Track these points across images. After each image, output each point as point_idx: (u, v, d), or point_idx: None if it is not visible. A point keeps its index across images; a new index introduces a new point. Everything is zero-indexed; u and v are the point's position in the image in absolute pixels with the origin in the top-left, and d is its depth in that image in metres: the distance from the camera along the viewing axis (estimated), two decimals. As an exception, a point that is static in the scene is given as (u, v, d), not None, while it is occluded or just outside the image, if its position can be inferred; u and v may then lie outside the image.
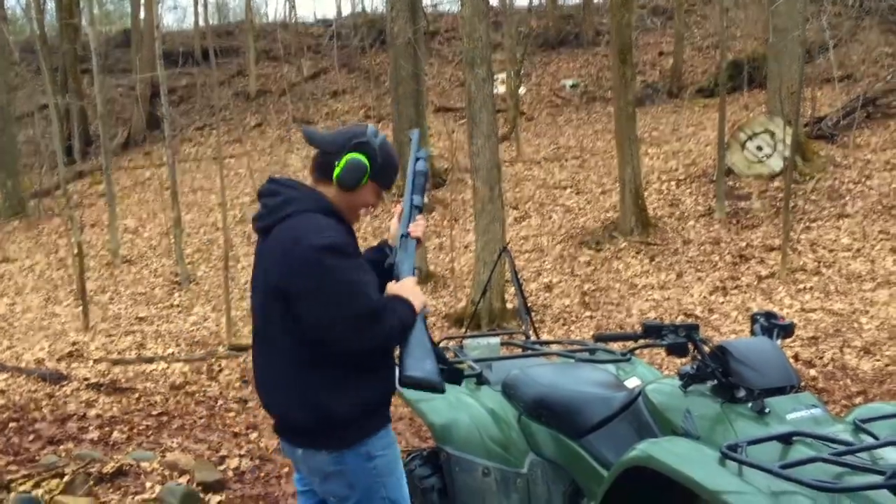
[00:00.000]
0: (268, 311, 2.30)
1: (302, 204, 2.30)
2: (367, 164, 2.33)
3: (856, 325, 6.90)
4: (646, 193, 10.60)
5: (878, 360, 6.14)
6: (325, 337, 2.22)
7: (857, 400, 5.31)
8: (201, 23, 19.25)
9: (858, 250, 8.62)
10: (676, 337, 2.56)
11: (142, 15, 18.52)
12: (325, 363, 2.26)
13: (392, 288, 2.37)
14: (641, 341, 2.78)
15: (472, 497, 3.02)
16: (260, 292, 2.34)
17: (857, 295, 7.57)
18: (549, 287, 9.14)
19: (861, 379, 5.85)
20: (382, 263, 2.46)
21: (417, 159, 2.59)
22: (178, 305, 10.18)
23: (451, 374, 2.43)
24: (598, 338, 2.79)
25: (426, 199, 2.64)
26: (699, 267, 9.07)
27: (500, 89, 15.37)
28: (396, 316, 2.27)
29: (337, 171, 2.31)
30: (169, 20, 30.52)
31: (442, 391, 2.35)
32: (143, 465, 4.70)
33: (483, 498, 3.00)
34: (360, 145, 2.33)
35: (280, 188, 2.36)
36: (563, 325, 8.04)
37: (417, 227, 2.52)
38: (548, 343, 4.02)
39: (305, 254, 2.19)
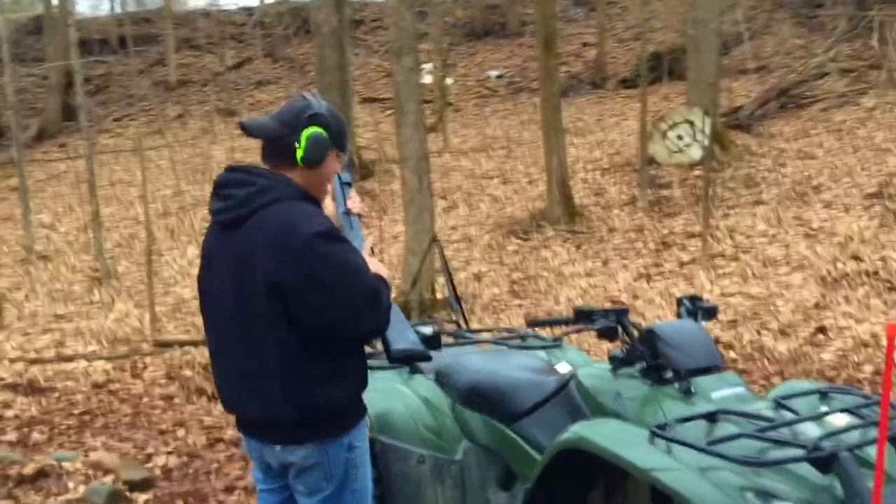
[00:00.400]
0: (246, 306, 2.19)
1: (281, 191, 2.21)
2: (327, 134, 2.26)
3: (772, 307, 7.15)
4: (571, 183, 10.75)
5: (793, 342, 6.38)
6: (328, 324, 2.15)
7: (775, 379, 5.51)
8: (118, 9, 18.65)
9: (774, 236, 8.92)
10: (607, 321, 2.62)
11: (54, 1, 17.83)
12: (316, 354, 2.18)
13: None
14: (573, 326, 2.83)
15: (406, 485, 3.03)
16: (230, 288, 2.22)
17: (773, 279, 7.84)
18: (478, 276, 9.19)
19: (778, 359, 6.08)
20: None
21: None
22: (98, 302, 9.84)
23: (430, 340, 2.43)
24: (532, 323, 2.84)
25: (352, 173, 2.62)
26: (624, 254, 9.26)
27: (427, 80, 15.35)
28: (385, 294, 2.22)
29: (301, 151, 2.21)
30: (83, 6, 29.44)
31: (429, 359, 2.35)
32: (66, 465, 4.57)
33: (418, 485, 3.01)
34: (313, 118, 2.24)
35: (251, 177, 2.25)
36: (493, 313, 8.10)
37: (354, 202, 2.47)
38: (479, 331, 4.05)
39: (302, 242, 2.12)
